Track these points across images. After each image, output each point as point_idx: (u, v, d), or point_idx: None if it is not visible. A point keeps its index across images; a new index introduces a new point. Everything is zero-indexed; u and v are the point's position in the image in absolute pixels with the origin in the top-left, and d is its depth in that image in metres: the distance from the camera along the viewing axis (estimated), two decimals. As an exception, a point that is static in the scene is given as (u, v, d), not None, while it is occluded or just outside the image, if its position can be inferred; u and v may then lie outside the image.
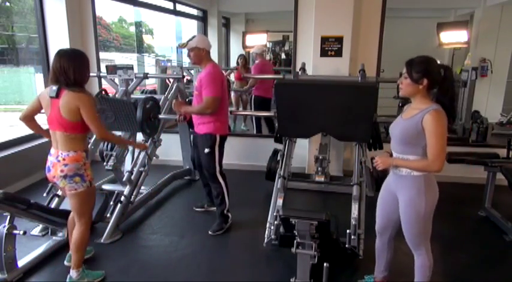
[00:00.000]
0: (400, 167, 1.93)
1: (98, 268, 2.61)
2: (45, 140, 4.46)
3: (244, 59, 6.13)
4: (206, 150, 3.04)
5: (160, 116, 3.48)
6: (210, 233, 3.10)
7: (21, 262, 2.55)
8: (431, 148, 1.81)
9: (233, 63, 7.09)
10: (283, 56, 8.89)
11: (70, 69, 2.16)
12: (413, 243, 2.02)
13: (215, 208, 3.23)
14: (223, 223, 3.15)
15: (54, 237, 2.90)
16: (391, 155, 2.02)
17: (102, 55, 5.18)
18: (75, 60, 2.20)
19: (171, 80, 3.93)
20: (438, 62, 1.94)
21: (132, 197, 3.24)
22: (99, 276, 2.52)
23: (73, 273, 2.39)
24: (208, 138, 3.02)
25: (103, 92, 3.43)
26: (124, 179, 3.23)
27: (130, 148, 3.66)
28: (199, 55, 2.94)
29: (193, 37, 2.93)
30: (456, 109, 1.99)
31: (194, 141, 3.39)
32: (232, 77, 6.40)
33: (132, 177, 3.28)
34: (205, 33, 7.86)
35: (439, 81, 1.86)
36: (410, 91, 1.89)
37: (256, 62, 5.75)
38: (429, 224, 1.97)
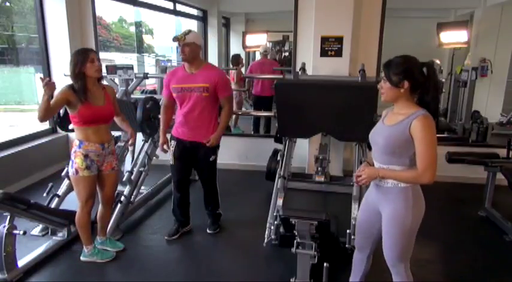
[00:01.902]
0: (386, 179, 1.74)
1: (97, 268, 2.62)
2: (45, 140, 4.50)
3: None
4: (212, 158, 2.92)
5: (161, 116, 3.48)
6: (210, 232, 3.11)
7: (21, 262, 2.54)
8: (421, 158, 1.62)
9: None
10: (284, 55, 8.91)
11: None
12: (393, 261, 1.83)
13: (189, 228, 3.15)
14: (218, 221, 3.18)
15: (54, 237, 2.89)
16: (371, 165, 1.84)
17: (102, 55, 5.18)
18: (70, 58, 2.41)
19: (171, 80, 3.92)
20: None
21: (132, 197, 3.24)
22: (109, 257, 2.71)
23: (85, 249, 2.66)
24: (215, 145, 2.92)
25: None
26: (124, 179, 3.23)
27: (131, 148, 3.66)
28: (196, 52, 2.72)
29: (190, 32, 2.71)
30: (439, 111, 1.75)
31: (189, 150, 2.91)
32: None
33: (132, 177, 3.29)
34: (205, 33, 7.86)
35: (422, 82, 1.66)
36: (391, 96, 1.71)
37: (254, 61, 5.77)
38: (412, 241, 1.80)
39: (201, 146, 2.86)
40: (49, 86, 2.20)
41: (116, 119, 2.75)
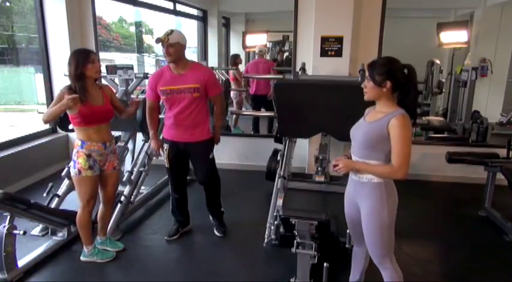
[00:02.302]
0: (362, 171, 1.82)
1: (97, 268, 2.62)
2: (45, 140, 4.50)
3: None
4: (211, 155, 2.91)
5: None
6: (220, 235, 3.07)
7: (21, 262, 2.54)
8: (397, 154, 1.71)
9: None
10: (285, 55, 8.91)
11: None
12: (378, 256, 1.91)
13: (189, 228, 3.16)
14: (222, 220, 3.16)
15: (54, 237, 2.89)
16: (349, 158, 1.92)
17: (102, 55, 5.18)
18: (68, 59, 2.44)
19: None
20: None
21: (132, 197, 3.24)
22: (109, 257, 2.71)
23: (85, 249, 2.66)
24: (211, 142, 2.91)
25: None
26: (124, 179, 3.23)
27: (130, 148, 3.66)
28: (181, 52, 2.65)
29: (172, 32, 2.61)
30: (416, 112, 1.87)
31: (184, 151, 2.86)
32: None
33: (132, 177, 3.28)
34: (205, 33, 7.87)
35: (403, 83, 1.76)
36: (374, 95, 1.79)
37: (251, 61, 5.81)
38: (392, 234, 1.87)
39: (197, 145, 2.83)
40: (74, 101, 2.26)
41: (122, 117, 2.77)
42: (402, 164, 1.71)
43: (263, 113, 5.50)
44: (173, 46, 2.59)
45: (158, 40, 2.60)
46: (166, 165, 2.94)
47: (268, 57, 8.66)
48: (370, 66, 1.80)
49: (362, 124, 1.88)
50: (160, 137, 2.97)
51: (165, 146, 2.88)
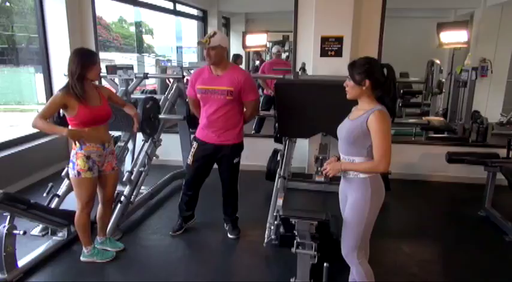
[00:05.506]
0: (348, 170, 1.89)
1: (97, 268, 2.62)
2: (45, 140, 4.49)
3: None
4: (236, 160, 2.92)
5: (161, 116, 3.48)
6: (233, 237, 3.05)
7: (21, 262, 2.54)
8: (377, 148, 1.78)
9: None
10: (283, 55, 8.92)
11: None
12: (347, 247, 1.96)
13: (193, 221, 3.18)
14: (237, 224, 3.14)
15: (54, 237, 2.89)
16: (339, 158, 1.98)
17: (102, 55, 5.18)
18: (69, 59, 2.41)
19: (171, 80, 3.93)
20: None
21: (132, 197, 3.24)
22: (109, 257, 2.71)
23: (84, 250, 2.66)
24: (240, 147, 2.93)
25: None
26: (124, 179, 3.23)
27: (130, 148, 3.66)
28: (222, 55, 2.63)
29: (214, 34, 2.60)
30: (396, 109, 1.94)
31: (212, 154, 2.88)
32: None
33: (132, 177, 3.28)
34: (205, 33, 7.86)
35: (382, 81, 1.83)
36: (355, 93, 1.87)
37: (266, 61, 5.77)
38: (369, 231, 1.92)
39: (225, 148, 2.84)
40: (75, 138, 2.34)
41: (126, 110, 2.81)
42: (382, 157, 1.77)
43: (263, 112, 5.49)
44: (214, 49, 2.58)
45: (200, 43, 2.59)
46: (188, 162, 2.94)
47: (268, 57, 8.68)
48: (350, 66, 1.89)
49: (346, 122, 1.95)
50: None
51: (195, 143, 2.91)
